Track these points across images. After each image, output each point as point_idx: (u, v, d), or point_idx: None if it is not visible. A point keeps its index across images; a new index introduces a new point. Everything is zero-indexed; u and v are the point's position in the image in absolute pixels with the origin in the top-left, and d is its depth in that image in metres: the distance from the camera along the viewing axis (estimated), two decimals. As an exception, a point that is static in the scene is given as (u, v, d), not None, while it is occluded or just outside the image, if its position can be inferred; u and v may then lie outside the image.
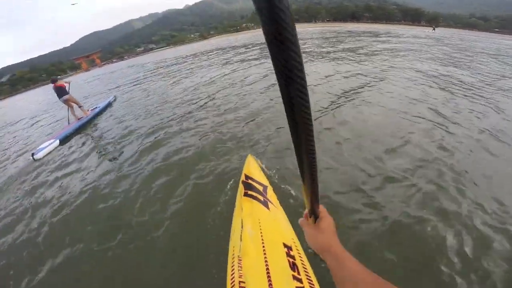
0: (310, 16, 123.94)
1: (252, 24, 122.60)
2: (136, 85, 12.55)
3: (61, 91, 7.03)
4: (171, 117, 5.75)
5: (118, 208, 2.94)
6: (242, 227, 1.63)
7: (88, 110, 7.84)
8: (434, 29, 41.25)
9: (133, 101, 8.59)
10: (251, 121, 4.65)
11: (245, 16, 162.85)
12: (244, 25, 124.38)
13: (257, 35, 42.03)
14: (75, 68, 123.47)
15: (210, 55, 19.68)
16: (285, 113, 0.33)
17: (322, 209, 0.62)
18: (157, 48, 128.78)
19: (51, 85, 7.26)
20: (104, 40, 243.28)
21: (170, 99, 7.50)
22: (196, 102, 6.56)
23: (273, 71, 0.30)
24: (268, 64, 10.14)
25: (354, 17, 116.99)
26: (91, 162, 4.34)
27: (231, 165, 3.24)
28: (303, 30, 44.80)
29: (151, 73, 16.53)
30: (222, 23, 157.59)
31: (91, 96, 12.91)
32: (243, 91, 6.84)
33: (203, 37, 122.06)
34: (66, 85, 7.20)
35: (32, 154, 5.07)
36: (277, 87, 0.37)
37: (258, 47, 18.58)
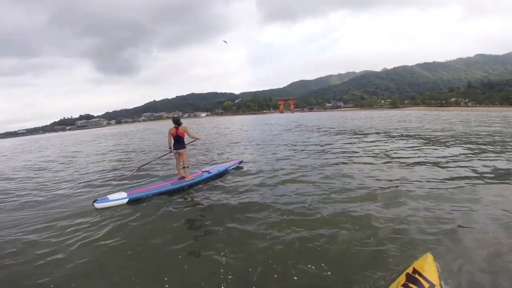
0: None
1: (466, 100, 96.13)
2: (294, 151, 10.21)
3: (180, 142, 5.48)
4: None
5: None
6: None
7: (199, 171, 6.17)
8: None
9: (269, 174, 6.24)
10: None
11: (455, 88, 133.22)
12: (453, 99, 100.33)
13: (475, 115, 15.71)
14: (275, 107, 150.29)
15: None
16: None
17: None
18: (344, 107, 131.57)
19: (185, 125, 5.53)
20: (307, 88, 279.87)
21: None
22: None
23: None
24: None
25: None
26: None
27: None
28: None
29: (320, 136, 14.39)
30: (422, 93, 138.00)
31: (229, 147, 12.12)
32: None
33: (395, 105, 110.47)
34: (186, 136, 5.57)
35: (94, 201, 4.61)
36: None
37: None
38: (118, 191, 5.20)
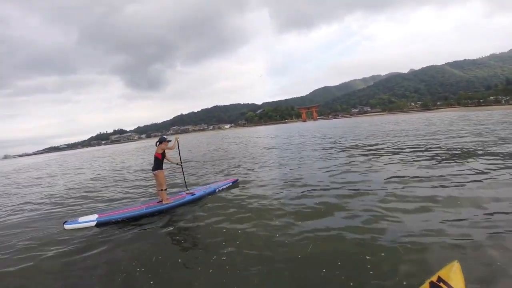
0: None
1: (507, 98, 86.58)
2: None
3: (156, 162, 5.04)
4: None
5: None
6: None
7: (183, 193, 5.64)
8: None
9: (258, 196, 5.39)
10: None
11: (492, 86, 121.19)
12: (491, 98, 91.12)
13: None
14: (298, 116, 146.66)
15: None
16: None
17: None
18: (371, 112, 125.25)
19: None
20: (330, 95, 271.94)
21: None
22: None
23: None
24: None
25: None
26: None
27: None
28: None
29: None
30: (455, 93, 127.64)
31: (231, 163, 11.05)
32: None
33: (426, 107, 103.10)
34: (161, 154, 5.05)
35: (65, 222, 4.56)
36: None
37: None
38: (92, 213, 5.07)
